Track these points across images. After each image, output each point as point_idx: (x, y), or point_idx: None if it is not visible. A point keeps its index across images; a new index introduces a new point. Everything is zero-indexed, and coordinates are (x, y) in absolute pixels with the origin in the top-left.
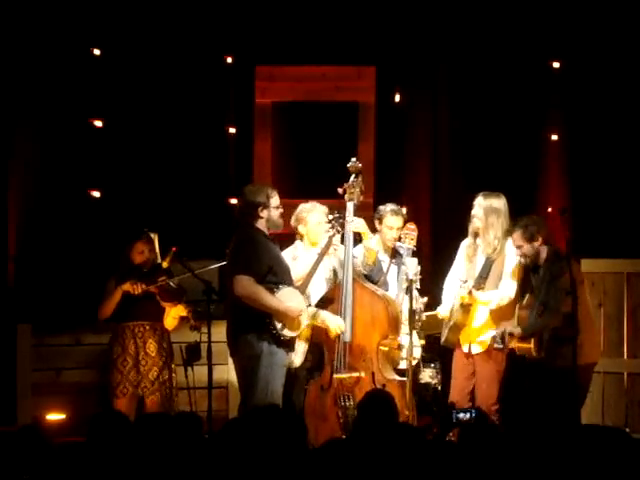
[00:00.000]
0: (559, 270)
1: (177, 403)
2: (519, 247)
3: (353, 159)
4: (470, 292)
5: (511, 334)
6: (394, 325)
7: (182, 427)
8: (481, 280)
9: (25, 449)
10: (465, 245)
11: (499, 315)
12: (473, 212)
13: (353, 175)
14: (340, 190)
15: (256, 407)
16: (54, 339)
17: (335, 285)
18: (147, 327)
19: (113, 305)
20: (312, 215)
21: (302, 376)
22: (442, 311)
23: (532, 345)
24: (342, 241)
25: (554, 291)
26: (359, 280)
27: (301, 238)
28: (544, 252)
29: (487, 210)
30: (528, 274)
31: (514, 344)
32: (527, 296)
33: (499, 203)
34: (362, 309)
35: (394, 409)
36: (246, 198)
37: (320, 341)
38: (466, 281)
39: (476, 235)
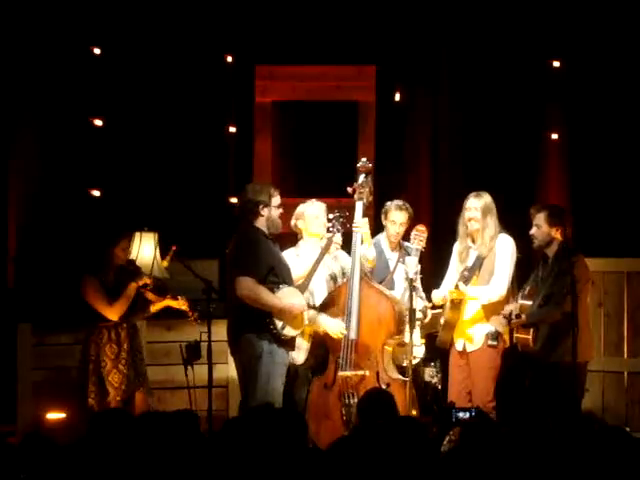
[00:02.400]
0: (568, 267)
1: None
2: (537, 226)
3: (364, 159)
4: (457, 286)
5: (518, 315)
6: (400, 325)
7: (179, 424)
8: (468, 273)
9: (27, 453)
10: (458, 249)
11: (490, 310)
12: (470, 215)
13: (363, 175)
14: (350, 190)
15: (255, 407)
16: (54, 339)
17: (339, 285)
18: (137, 324)
19: (129, 303)
20: (310, 209)
21: (304, 374)
22: (435, 295)
23: (530, 336)
24: (343, 240)
25: (560, 286)
26: (366, 279)
27: (302, 236)
28: (556, 245)
29: (484, 210)
30: (531, 266)
31: (515, 333)
32: (529, 287)
33: (490, 201)
34: (369, 308)
35: (394, 408)
36: (248, 196)
37: (323, 339)
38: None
39: (469, 237)
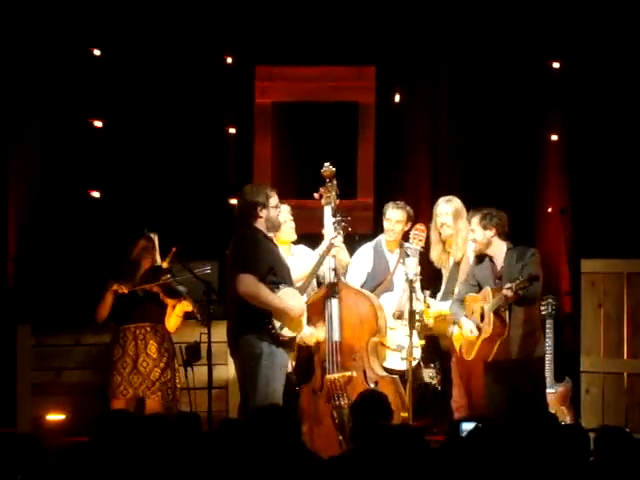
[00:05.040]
0: (528, 259)
1: (180, 404)
2: (472, 231)
3: (326, 163)
4: (428, 306)
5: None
6: (381, 324)
7: (182, 427)
8: (448, 293)
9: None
10: (434, 256)
11: None
12: (442, 220)
13: (327, 179)
14: (316, 195)
15: (254, 407)
16: (54, 339)
17: (316, 292)
18: (148, 329)
19: (107, 308)
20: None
21: (290, 380)
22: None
23: (507, 326)
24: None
25: (528, 272)
26: (342, 280)
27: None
28: (498, 244)
29: (455, 215)
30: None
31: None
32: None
33: (460, 205)
34: (349, 309)
35: (388, 408)
36: (245, 198)
37: (308, 345)
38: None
39: (443, 243)
